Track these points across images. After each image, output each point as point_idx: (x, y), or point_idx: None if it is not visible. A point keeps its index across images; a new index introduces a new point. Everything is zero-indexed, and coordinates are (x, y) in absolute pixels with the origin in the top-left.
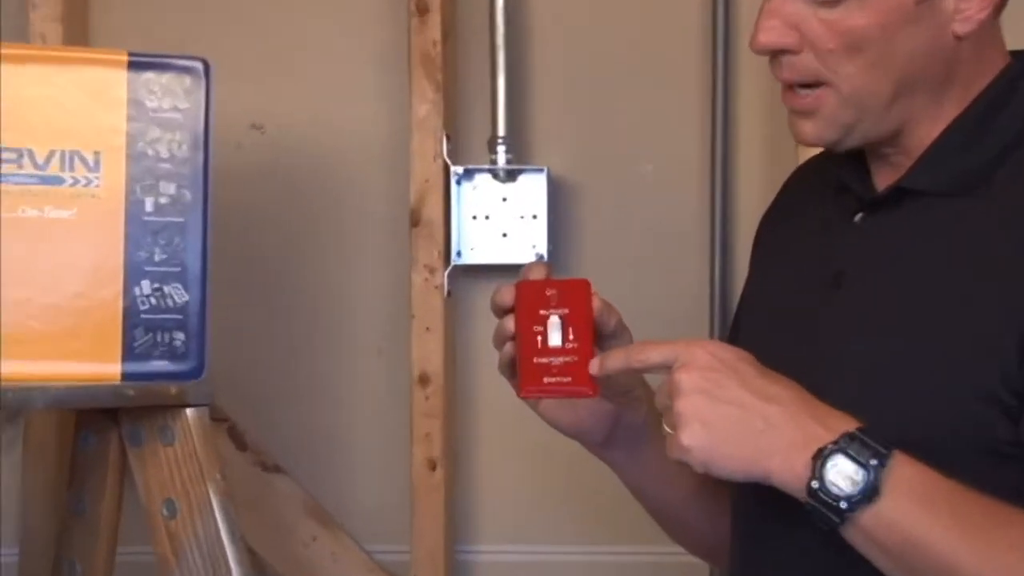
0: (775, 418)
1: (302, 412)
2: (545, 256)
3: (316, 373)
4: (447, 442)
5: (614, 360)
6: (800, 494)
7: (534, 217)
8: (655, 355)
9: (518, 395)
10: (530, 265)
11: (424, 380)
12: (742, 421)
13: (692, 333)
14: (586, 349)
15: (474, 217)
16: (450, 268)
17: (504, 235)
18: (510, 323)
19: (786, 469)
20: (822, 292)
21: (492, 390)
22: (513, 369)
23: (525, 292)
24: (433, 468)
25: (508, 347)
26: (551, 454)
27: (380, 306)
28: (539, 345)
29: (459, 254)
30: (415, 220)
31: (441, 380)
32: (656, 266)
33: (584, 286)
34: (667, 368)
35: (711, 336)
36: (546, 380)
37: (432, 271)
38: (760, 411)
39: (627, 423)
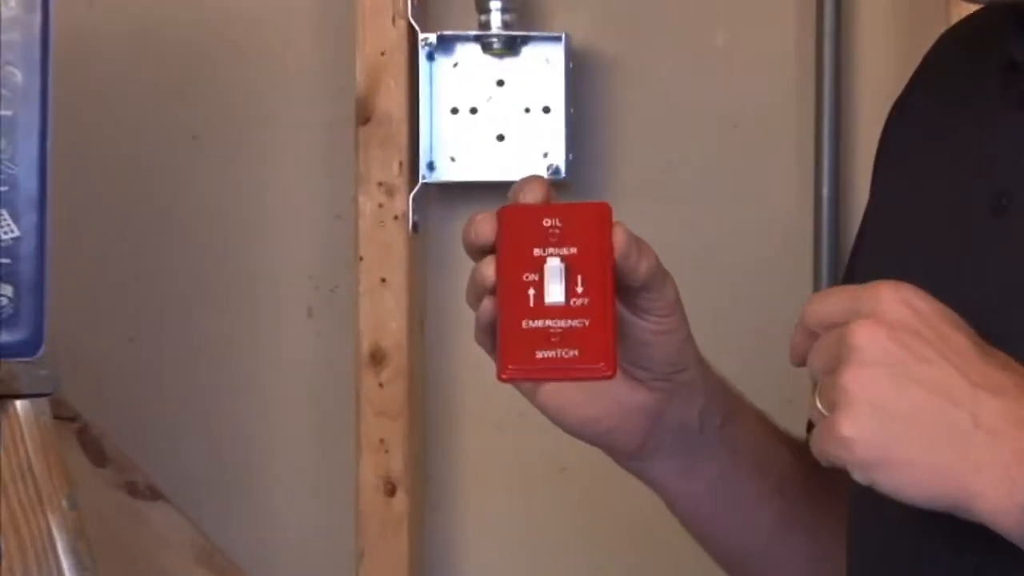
0: (992, 416)
1: (192, 408)
2: (562, 169)
3: (213, 348)
4: (412, 453)
5: (797, 330)
6: (1018, 530)
7: (545, 111)
8: (831, 306)
9: (498, 376)
10: (522, 182)
11: (378, 358)
12: (941, 414)
13: (785, 284)
14: (602, 307)
15: (454, 111)
16: (418, 188)
17: (500, 138)
18: (490, 268)
19: (999, 491)
20: (978, 219)
21: (481, 375)
22: (495, 338)
23: (512, 223)
24: (391, 493)
25: (487, 305)
26: (564, 470)
27: (310, 245)
28: (531, 302)
29: (431, 167)
30: (364, 115)
31: (404, 358)
32: (731, 185)
33: (600, 213)
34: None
35: (818, 291)
36: (540, 354)
37: (390, 192)
38: (971, 402)
39: (675, 421)
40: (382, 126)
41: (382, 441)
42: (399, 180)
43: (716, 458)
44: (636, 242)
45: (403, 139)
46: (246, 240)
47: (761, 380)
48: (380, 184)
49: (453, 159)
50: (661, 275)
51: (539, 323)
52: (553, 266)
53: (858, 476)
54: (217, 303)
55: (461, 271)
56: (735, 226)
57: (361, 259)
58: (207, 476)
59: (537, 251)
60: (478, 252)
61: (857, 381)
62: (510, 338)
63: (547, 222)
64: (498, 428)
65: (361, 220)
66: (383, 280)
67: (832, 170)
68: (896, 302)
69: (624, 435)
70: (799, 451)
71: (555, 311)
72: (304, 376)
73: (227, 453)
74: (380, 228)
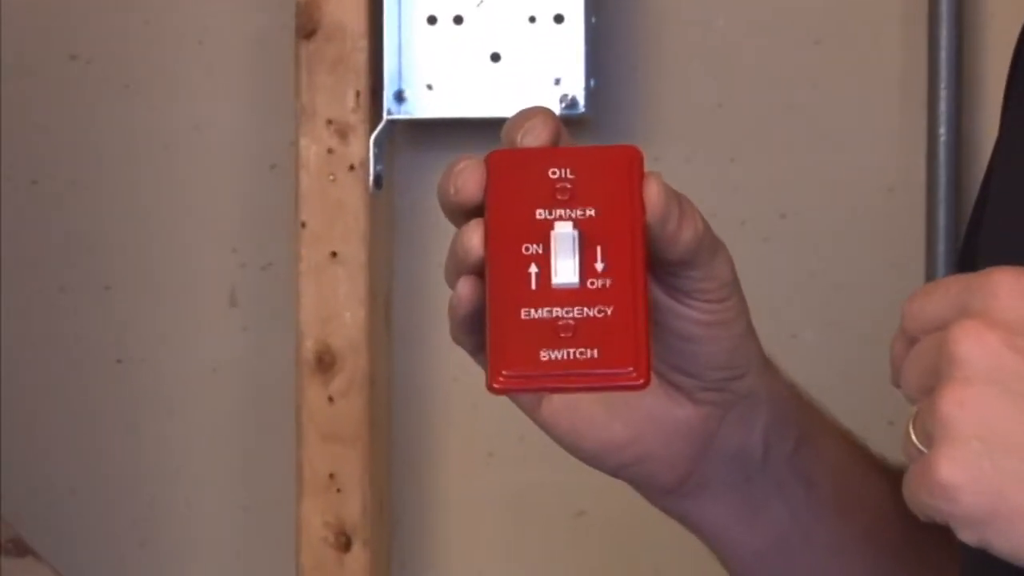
0: None
1: (70, 431)
2: (580, 101)
3: (97, 348)
4: (374, 492)
5: (897, 338)
6: None
7: (557, 20)
8: (935, 302)
9: (488, 386)
10: (520, 117)
11: (326, 361)
12: None
13: (887, 261)
14: (630, 289)
15: (432, 20)
16: (382, 127)
17: (495, 57)
18: (476, 237)
19: None
20: None
21: (467, 384)
22: (479, 333)
23: (507, 173)
24: (345, 546)
25: (468, 286)
26: (580, 514)
27: (234, 206)
28: (533, 283)
29: (400, 98)
30: (308, 26)
31: (362, 362)
32: (810, 126)
33: (627, 159)
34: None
35: (932, 264)
36: (546, 355)
37: (343, 133)
38: None
39: (729, 445)
40: (332, 42)
41: (332, 476)
42: (356, 116)
43: (785, 495)
44: (676, 200)
45: (361, 60)
46: (145, 198)
47: (852, 395)
48: (330, 122)
49: (430, 87)
50: (711, 246)
51: (544, 312)
52: (563, 233)
53: (965, 535)
54: (104, 285)
55: (442, 242)
56: (817, 181)
57: (303, 225)
58: (94, 524)
59: (541, 213)
60: (460, 214)
61: (960, 404)
62: (504, 333)
63: (555, 172)
64: (491, 457)
65: (303, 172)
66: (334, 254)
67: (951, 103)
68: (1017, 295)
69: (661, 465)
70: (900, 484)
71: (566, 296)
72: (225, 387)
73: (121, 492)
74: (330, 183)
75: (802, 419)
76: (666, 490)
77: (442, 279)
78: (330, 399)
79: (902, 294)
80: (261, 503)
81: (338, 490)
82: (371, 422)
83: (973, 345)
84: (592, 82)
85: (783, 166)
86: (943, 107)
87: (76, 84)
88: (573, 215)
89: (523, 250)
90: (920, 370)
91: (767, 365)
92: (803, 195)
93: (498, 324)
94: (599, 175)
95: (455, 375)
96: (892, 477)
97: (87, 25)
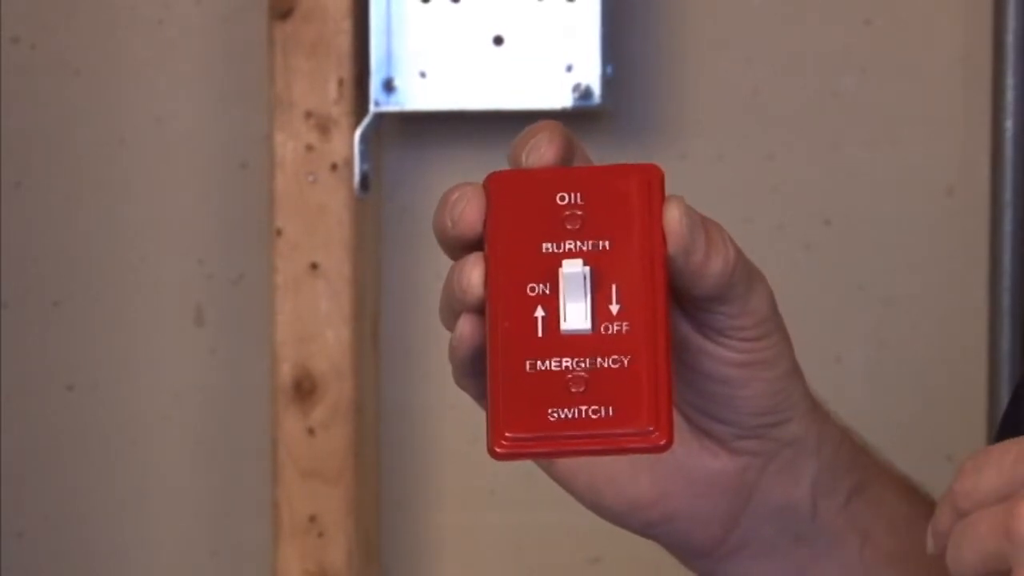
0: None
1: (21, 467)
2: (595, 91)
3: (51, 372)
4: (360, 537)
5: (943, 505)
6: None
7: None
8: (991, 477)
9: (489, 451)
10: (527, 134)
11: (305, 388)
12: None
13: (949, 271)
14: (651, 335)
15: None
16: (368, 121)
17: (497, 41)
18: (476, 274)
19: None
20: None
21: (465, 413)
22: (481, 381)
23: (510, 200)
24: None
25: (470, 324)
26: (595, 561)
27: (200, 210)
28: (539, 329)
29: (389, 88)
30: (282, 5)
31: (347, 388)
32: (859, 118)
33: (645, 181)
34: None
35: (997, 277)
36: (555, 414)
37: (324, 128)
38: None
39: (773, 500)
40: (311, 22)
41: (313, 518)
42: (338, 108)
43: (837, 553)
44: (701, 226)
45: (344, 43)
46: (99, 201)
47: (904, 426)
48: (309, 115)
49: (423, 75)
50: (744, 278)
51: (552, 364)
52: (572, 272)
53: None
54: (52, 301)
55: (436, 252)
56: (865, 182)
57: (279, 233)
58: (43, 572)
59: (548, 246)
60: (457, 247)
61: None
62: (507, 389)
63: (563, 198)
64: (493, 496)
65: (279, 171)
66: (313, 266)
67: (1020, 91)
68: None
69: (694, 524)
70: None
71: (577, 344)
72: (191, 416)
73: (73, 535)
74: (309, 185)
75: (855, 467)
76: (700, 551)
77: (437, 293)
78: (310, 431)
79: (962, 310)
80: (232, 548)
81: (320, 534)
82: (357, 456)
83: None
84: (609, 69)
85: (827, 164)
86: (1010, 96)
87: (19, 70)
88: (584, 248)
89: (528, 291)
90: (981, 553)
91: (815, 408)
92: (850, 197)
93: (500, 378)
94: (613, 200)
95: (452, 402)
96: None
97: (30, 2)
